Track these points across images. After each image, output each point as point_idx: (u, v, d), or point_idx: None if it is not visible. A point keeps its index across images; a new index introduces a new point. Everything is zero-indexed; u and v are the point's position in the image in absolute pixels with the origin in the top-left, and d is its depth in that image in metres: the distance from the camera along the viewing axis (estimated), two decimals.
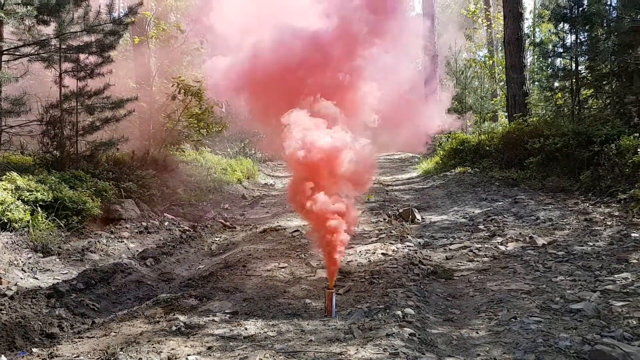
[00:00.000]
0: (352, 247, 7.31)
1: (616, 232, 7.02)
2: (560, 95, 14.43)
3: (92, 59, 10.13)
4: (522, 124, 13.86)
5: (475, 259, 6.68)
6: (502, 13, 18.53)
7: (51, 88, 10.28)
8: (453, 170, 15.40)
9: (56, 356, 3.94)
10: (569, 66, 13.78)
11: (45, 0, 8.79)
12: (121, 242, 7.98)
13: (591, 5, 12.73)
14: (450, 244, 7.61)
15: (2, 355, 4.09)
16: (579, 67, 13.45)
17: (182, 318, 4.48)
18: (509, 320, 4.36)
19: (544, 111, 15.55)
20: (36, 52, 9.37)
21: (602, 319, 4.24)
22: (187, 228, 9.42)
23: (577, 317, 4.32)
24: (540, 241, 7.02)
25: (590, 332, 3.99)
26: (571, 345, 3.73)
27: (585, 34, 13.23)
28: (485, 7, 32.17)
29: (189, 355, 3.70)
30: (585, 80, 13.53)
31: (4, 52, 9.14)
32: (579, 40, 13.25)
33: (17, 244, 6.68)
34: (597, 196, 9.34)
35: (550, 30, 15.37)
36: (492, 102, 22.64)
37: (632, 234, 6.78)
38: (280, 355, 3.63)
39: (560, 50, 13.79)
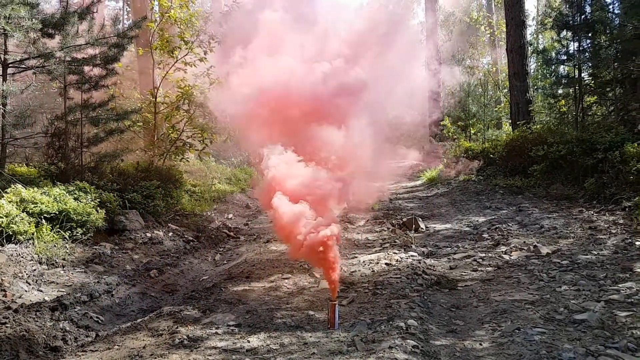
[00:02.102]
0: (356, 257, 7.32)
1: (621, 241, 6.99)
2: (563, 103, 14.43)
3: (97, 71, 10.20)
4: (525, 131, 13.86)
5: (479, 269, 6.66)
6: (504, 20, 18.58)
7: (56, 100, 10.36)
8: (457, 178, 15.39)
9: None
10: (572, 73, 13.79)
11: (49, 14, 8.87)
12: (125, 253, 7.99)
13: (594, 12, 12.75)
14: (454, 253, 7.59)
15: None
16: (582, 75, 13.46)
17: (185, 331, 4.48)
18: (513, 331, 4.34)
19: (548, 118, 15.54)
20: (41, 65, 9.44)
21: (606, 330, 4.21)
22: (191, 238, 9.44)
23: (581, 328, 4.30)
24: (545, 250, 7.00)
25: (594, 343, 3.97)
26: (575, 357, 3.71)
27: (588, 41, 13.25)
28: (488, 14, 32.26)
29: None
30: (589, 87, 13.53)
31: (9, 65, 9.23)
32: (581, 48, 13.26)
33: (22, 257, 6.70)
34: (601, 204, 9.31)
35: (553, 38, 15.38)
36: (496, 109, 22.65)
37: (637, 242, 6.75)
38: None
39: (563, 57, 13.80)
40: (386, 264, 6.74)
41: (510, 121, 18.02)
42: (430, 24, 28.52)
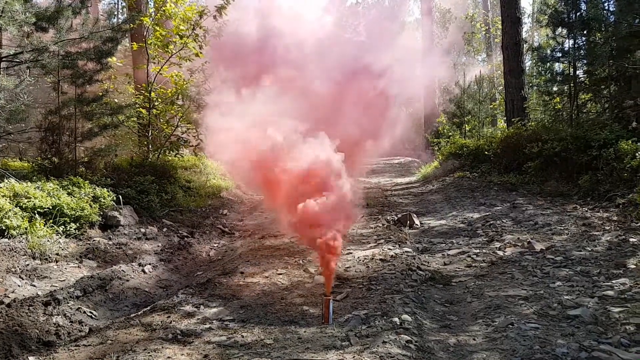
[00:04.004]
0: (351, 253, 7.31)
1: (614, 237, 7.01)
2: (558, 100, 14.46)
3: (91, 65, 10.14)
4: (520, 128, 13.88)
5: (473, 265, 6.68)
6: (500, 18, 18.59)
7: (50, 94, 10.30)
8: (452, 175, 15.40)
9: None
10: (567, 71, 13.81)
11: (43, 7, 8.81)
12: (119, 248, 7.96)
13: (589, 10, 12.77)
14: (449, 250, 7.60)
15: None
16: (577, 72, 13.48)
17: (179, 326, 4.47)
18: (506, 326, 4.35)
19: (543, 115, 15.57)
20: (35, 59, 9.37)
21: (599, 325, 4.23)
22: (185, 234, 9.41)
23: (574, 324, 4.32)
24: (539, 246, 7.01)
25: (588, 338, 3.98)
26: (568, 352, 3.72)
27: (583, 38, 13.27)
28: (484, 11, 32.28)
29: None
30: (584, 84, 13.56)
31: (3, 59, 9.16)
32: (577, 45, 13.28)
33: (15, 251, 6.67)
34: (595, 201, 9.34)
35: (548, 35, 15.40)
36: (491, 106, 22.68)
37: (631, 239, 6.77)
38: None
39: (559, 54, 13.81)
40: (381, 259, 6.74)
41: (505, 118, 18.05)
42: (426, 20, 28.53)
